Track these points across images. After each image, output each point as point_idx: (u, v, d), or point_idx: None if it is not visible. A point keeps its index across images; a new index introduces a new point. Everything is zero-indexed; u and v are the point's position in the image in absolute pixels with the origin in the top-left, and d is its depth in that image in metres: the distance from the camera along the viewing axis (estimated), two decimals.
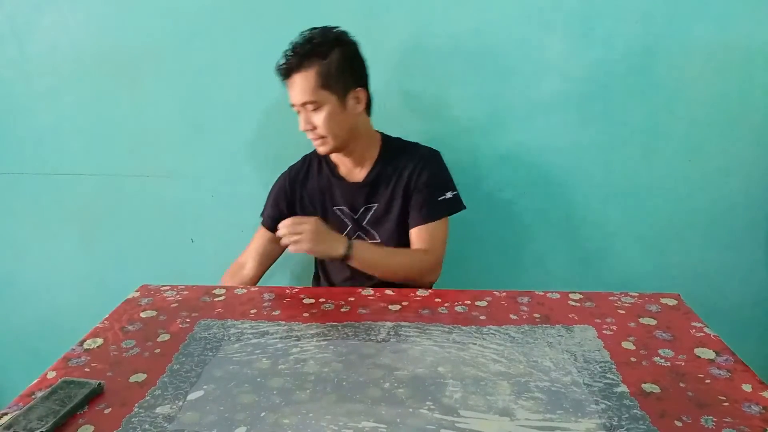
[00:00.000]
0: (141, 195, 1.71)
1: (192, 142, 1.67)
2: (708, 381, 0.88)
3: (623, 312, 1.10)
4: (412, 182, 1.35)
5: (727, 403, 0.83)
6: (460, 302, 1.14)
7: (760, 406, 0.82)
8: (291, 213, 1.41)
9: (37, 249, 1.80)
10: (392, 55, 1.56)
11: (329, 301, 1.15)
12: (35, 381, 0.90)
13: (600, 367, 0.92)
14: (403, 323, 1.06)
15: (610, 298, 1.16)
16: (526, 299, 1.15)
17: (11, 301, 1.86)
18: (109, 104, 1.64)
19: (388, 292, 1.19)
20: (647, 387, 0.87)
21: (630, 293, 1.18)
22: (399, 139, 1.44)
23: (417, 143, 1.43)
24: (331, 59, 1.25)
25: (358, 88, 1.30)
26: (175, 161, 1.69)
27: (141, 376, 0.91)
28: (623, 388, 0.87)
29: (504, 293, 1.18)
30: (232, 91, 1.61)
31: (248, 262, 1.44)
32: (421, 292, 1.19)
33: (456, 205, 1.38)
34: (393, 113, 1.61)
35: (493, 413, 0.81)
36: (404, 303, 1.14)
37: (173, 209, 1.73)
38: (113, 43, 1.59)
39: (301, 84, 1.24)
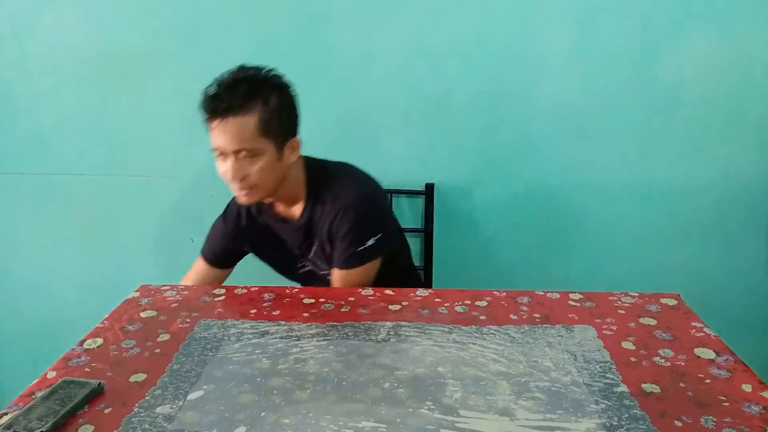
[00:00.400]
0: (141, 195, 1.71)
1: (192, 142, 1.67)
2: (708, 381, 0.88)
3: (623, 312, 1.10)
4: (333, 231, 1.25)
5: (727, 403, 0.83)
6: (460, 302, 1.14)
7: (760, 406, 0.82)
8: (238, 249, 1.37)
9: (37, 249, 1.80)
10: (392, 56, 1.56)
11: (329, 301, 1.15)
12: (35, 381, 0.90)
13: (600, 367, 0.92)
14: (403, 323, 1.06)
15: (610, 298, 1.16)
16: (526, 299, 1.15)
17: (11, 301, 1.86)
18: (109, 104, 1.64)
19: (388, 292, 1.19)
20: (647, 387, 0.87)
21: (630, 293, 1.18)
22: (324, 172, 1.29)
23: (344, 178, 1.29)
24: (272, 104, 1.14)
25: (294, 138, 1.20)
26: (175, 161, 1.69)
27: (141, 376, 0.91)
28: (623, 388, 0.87)
29: (504, 293, 1.18)
30: None
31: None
32: (421, 292, 1.19)
33: (379, 249, 1.26)
34: (393, 113, 1.61)
35: (493, 413, 0.81)
36: (404, 303, 1.14)
37: (173, 209, 1.73)
38: (113, 43, 1.59)
39: (239, 129, 1.11)
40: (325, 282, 1.32)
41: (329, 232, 1.26)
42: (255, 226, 1.35)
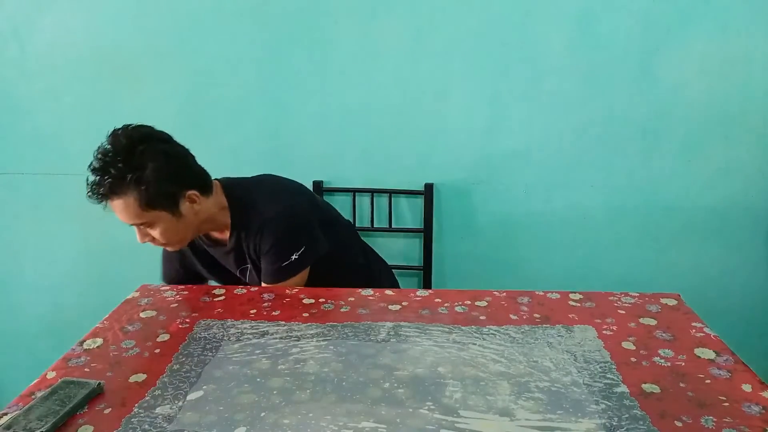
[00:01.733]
0: None
1: (192, 142, 1.66)
2: (708, 381, 0.88)
3: (623, 312, 1.10)
4: (258, 251, 1.26)
5: (727, 403, 0.83)
6: (460, 302, 1.14)
7: (760, 406, 0.82)
8: (190, 271, 1.37)
9: (37, 249, 1.80)
10: (392, 55, 1.56)
11: (329, 301, 1.15)
12: (35, 381, 0.90)
13: (600, 367, 0.92)
14: (403, 323, 1.06)
15: (610, 298, 1.16)
16: (526, 299, 1.15)
17: (11, 301, 1.86)
18: (109, 104, 1.64)
19: (388, 292, 1.19)
20: (647, 387, 0.87)
21: (630, 293, 1.18)
22: (244, 193, 1.29)
23: (261, 196, 1.28)
24: (148, 178, 1.10)
25: (189, 191, 1.17)
26: None
27: (141, 376, 0.91)
28: (623, 388, 0.87)
29: (504, 293, 1.18)
30: (232, 91, 1.61)
31: None
32: (421, 293, 1.19)
33: (305, 261, 1.25)
34: (392, 113, 1.61)
35: (493, 413, 0.81)
36: (404, 303, 1.14)
37: None
38: (113, 43, 1.59)
39: (124, 209, 1.12)
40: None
41: (256, 253, 1.26)
42: (196, 250, 1.34)
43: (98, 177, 1.10)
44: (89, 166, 1.10)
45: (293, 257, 1.24)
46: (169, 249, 1.26)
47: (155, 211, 1.13)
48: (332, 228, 1.36)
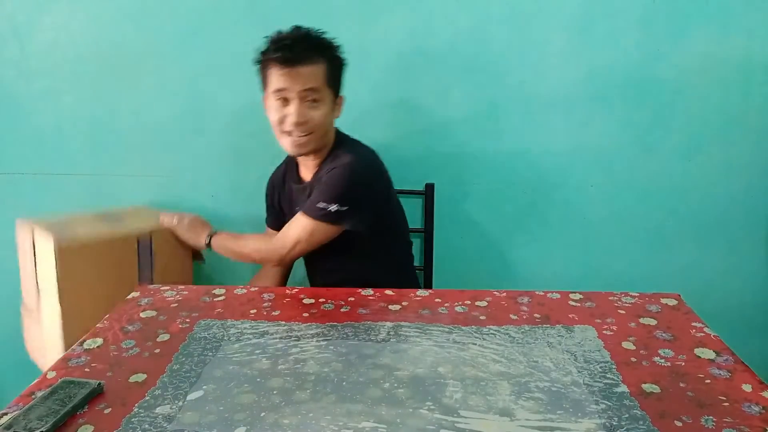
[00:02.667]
0: (141, 195, 1.71)
1: (192, 142, 1.67)
2: (708, 381, 0.88)
3: (623, 312, 1.10)
4: (317, 185, 1.33)
5: (727, 403, 0.83)
6: (460, 302, 1.14)
7: (760, 406, 0.82)
8: (278, 210, 1.50)
9: None
10: (391, 56, 1.56)
11: (329, 301, 1.15)
12: (35, 381, 0.90)
13: (600, 367, 0.92)
14: (403, 323, 1.06)
15: (610, 298, 1.16)
16: (526, 299, 1.15)
17: (11, 301, 1.85)
18: (109, 104, 1.64)
19: (388, 292, 1.19)
20: (647, 387, 0.87)
21: (630, 293, 1.18)
22: (346, 137, 1.40)
23: (357, 145, 1.38)
24: (334, 59, 1.28)
25: (341, 96, 1.34)
26: (175, 161, 1.68)
27: (141, 376, 0.91)
28: (623, 388, 0.87)
29: (504, 293, 1.18)
30: (232, 91, 1.61)
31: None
32: (421, 293, 1.19)
33: (338, 219, 1.28)
34: (392, 113, 1.61)
35: (493, 413, 0.81)
36: (404, 303, 1.14)
37: (173, 209, 1.72)
38: (113, 43, 1.59)
39: (311, 73, 1.24)
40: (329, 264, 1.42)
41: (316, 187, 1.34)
42: (283, 188, 1.47)
43: (296, 42, 1.23)
44: (276, 35, 1.26)
45: (332, 207, 1.28)
46: (296, 149, 1.31)
47: (328, 89, 1.27)
48: (387, 227, 1.43)
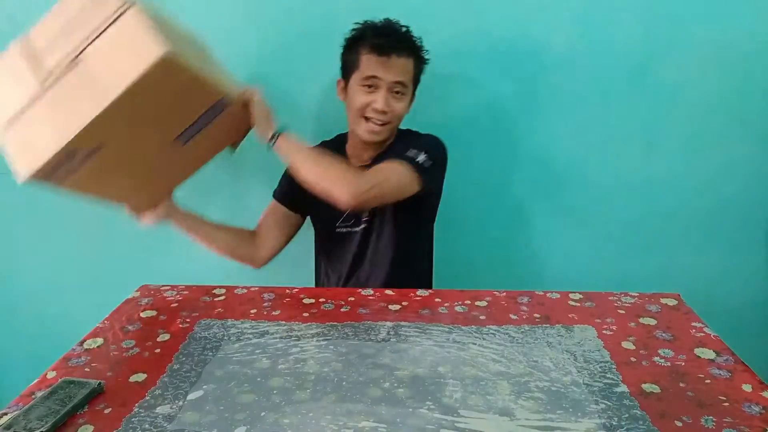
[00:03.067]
0: None
1: None
2: (708, 381, 0.88)
3: (623, 312, 1.10)
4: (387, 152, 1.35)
5: (727, 403, 0.83)
6: (460, 302, 1.14)
7: (760, 406, 0.82)
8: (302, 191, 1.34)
9: (37, 249, 1.80)
10: None
11: (329, 301, 1.15)
12: (35, 381, 0.90)
13: (600, 367, 0.92)
14: (403, 323, 1.06)
15: (610, 298, 1.16)
16: (526, 299, 1.15)
17: (11, 301, 1.86)
18: None
19: (388, 292, 1.19)
20: (647, 387, 0.87)
21: (630, 293, 1.18)
22: (409, 131, 1.45)
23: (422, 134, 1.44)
24: (421, 58, 1.34)
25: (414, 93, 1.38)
26: None
27: (141, 376, 0.91)
28: (623, 388, 0.87)
29: (504, 293, 1.18)
30: None
31: (264, 233, 1.46)
32: (421, 293, 1.19)
33: (418, 168, 1.26)
34: None
35: (493, 413, 0.81)
36: (404, 303, 1.14)
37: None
38: None
39: (404, 66, 1.29)
40: (356, 247, 1.40)
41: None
42: None
43: (401, 34, 1.30)
44: (377, 24, 1.31)
45: (420, 157, 1.29)
46: (371, 135, 1.33)
47: (412, 84, 1.34)
48: (435, 206, 1.47)
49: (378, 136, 1.33)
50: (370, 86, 1.29)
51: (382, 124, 1.31)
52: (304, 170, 1.24)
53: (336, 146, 1.46)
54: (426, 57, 1.36)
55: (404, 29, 1.31)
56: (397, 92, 1.30)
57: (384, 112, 1.29)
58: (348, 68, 1.33)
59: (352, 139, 1.41)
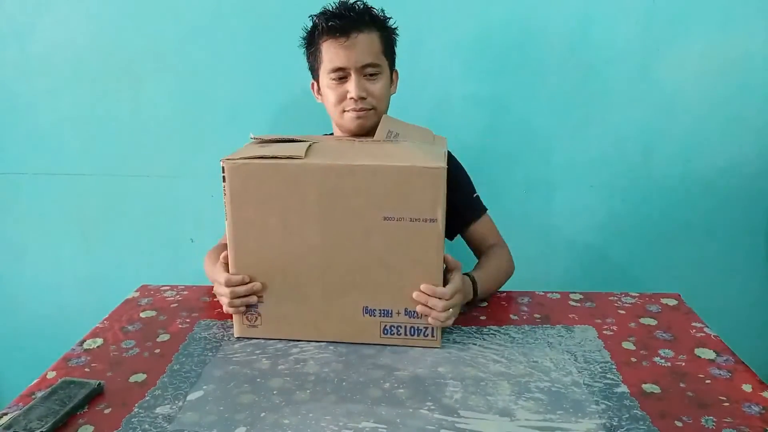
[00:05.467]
0: (141, 195, 1.71)
1: (192, 142, 1.67)
2: (708, 381, 0.88)
3: (623, 312, 1.10)
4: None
5: (727, 404, 0.83)
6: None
7: (761, 406, 0.82)
8: None
9: (37, 249, 1.80)
10: None
11: None
12: (35, 381, 0.90)
13: (600, 367, 0.92)
14: None
15: (610, 298, 1.16)
16: (526, 299, 1.15)
17: (11, 301, 1.86)
18: (109, 104, 1.64)
19: None
20: (647, 387, 0.87)
21: (630, 293, 1.18)
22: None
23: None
24: (386, 29, 1.23)
25: (395, 70, 1.29)
26: (175, 161, 1.68)
27: (141, 376, 0.91)
28: (623, 388, 0.87)
29: (504, 293, 1.18)
30: (232, 91, 1.61)
31: None
32: None
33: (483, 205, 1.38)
34: (392, 113, 1.60)
35: (493, 413, 0.81)
36: None
37: (173, 209, 1.72)
38: (113, 43, 1.58)
39: (367, 45, 1.17)
40: None
41: None
42: None
43: (350, 11, 1.17)
44: (327, 9, 1.19)
45: (476, 194, 1.34)
46: (356, 124, 1.21)
47: (385, 59, 1.21)
48: None
49: (366, 121, 1.21)
50: (339, 78, 1.18)
51: (366, 110, 1.20)
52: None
53: None
54: (394, 27, 1.25)
55: (360, 4, 1.20)
56: (370, 75, 1.19)
57: (362, 98, 1.19)
58: (314, 66, 1.24)
59: (341, 133, 1.30)
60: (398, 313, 0.97)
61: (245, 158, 0.93)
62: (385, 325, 0.98)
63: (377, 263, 0.95)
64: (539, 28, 1.51)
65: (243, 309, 1.01)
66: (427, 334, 0.98)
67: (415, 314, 0.97)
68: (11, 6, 1.58)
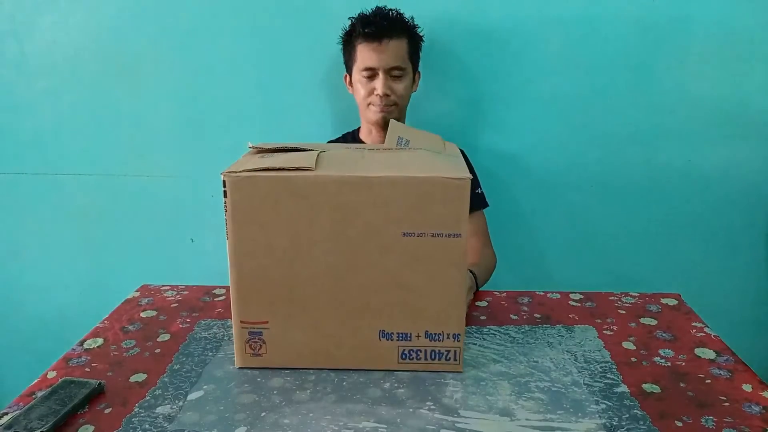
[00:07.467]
0: (141, 195, 1.71)
1: (192, 142, 1.67)
2: (708, 381, 0.88)
3: (624, 312, 1.10)
4: None
5: (727, 403, 0.83)
6: None
7: (761, 406, 0.82)
8: None
9: (37, 249, 1.80)
10: None
11: None
12: (35, 381, 0.90)
13: (600, 367, 0.92)
14: None
15: (610, 298, 1.16)
16: (526, 299, 1.15)
17: (11, 301, 1.86)
18: (109, 104, 1.64)
19: None
20: (647, 387, 0.87)
21: (630, 293, 1.18)
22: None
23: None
24: (415, 35, 1.42)
25: (418, 71, 1.47)
26: (175, 161, 1.68)
27: (141, 376, 0.91)
28: (624, 388, 0.87)
29: (504, 293, 1.18)
30: (232, 91, 1.61)
31: None
32: None
33: (483, 202, 1.51)
34: None
35: (494, 413, 0.81)
36: None
37: (173, 209, 1.72)
38: (113, 43, 1.59)
39: (396, 50, 1.36)
40: None
41: None
42: None
43: (385, 18, 1.36)
44: (363, 15, 1.39)
45: (479, 190, 1.49)
46: (380, 115, 1.40)
47: (410, 63, 1.41)
48: None
49: (389, 115, 1.39)
50: (369, 76, 1.38)
51: (389, 106, 1.39)
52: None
53: (349, 140, 1.53)
54: (421, 34, 1.44)
55: (393, 13, 1.38)
56: (396, 75, 1.38)
57: (387, 95, 1.38)
58: (349, 62, 1.43)
59: (366, 125, 1.49)
60: (418, 336, 0.89)
61: (249, 171, 0.83)
62: (404, 350, 0.90)
63: (395, 283, 0.87)
64: (539, 27, 1.51)
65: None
66: (449, 358, 0.90)
67: (436, 337, 0.90)
68: (11, 5, 1.58)
